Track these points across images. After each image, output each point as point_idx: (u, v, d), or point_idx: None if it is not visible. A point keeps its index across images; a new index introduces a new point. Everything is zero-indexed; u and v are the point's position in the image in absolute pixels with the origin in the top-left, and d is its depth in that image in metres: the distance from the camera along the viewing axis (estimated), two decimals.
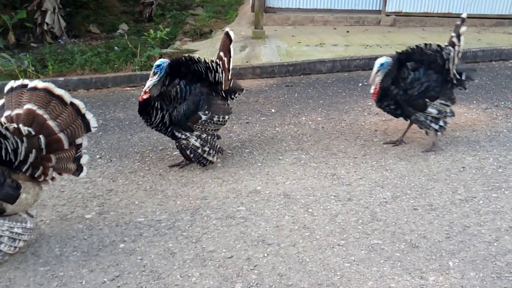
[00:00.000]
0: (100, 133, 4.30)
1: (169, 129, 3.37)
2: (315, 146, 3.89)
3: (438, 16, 8.04)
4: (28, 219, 2.50)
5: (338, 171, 3.43)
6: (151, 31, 7.28)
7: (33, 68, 6.32)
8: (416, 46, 3.60)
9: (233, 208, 3.00)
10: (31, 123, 2.37)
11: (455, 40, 3.51)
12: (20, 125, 2.31)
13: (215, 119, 3.43)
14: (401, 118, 3.82)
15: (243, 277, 2.35)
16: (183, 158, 3.59)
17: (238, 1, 9.97)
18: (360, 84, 5.51)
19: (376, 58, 6.04)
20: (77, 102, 2.49)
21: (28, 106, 2.38)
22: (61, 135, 2.43)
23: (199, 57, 3.41)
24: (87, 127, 2.52)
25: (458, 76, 3.53)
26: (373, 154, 3.69)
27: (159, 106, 3.29)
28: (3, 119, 2.35)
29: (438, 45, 3.55)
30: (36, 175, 2.42)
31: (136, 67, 6.41)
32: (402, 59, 3.60)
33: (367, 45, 6.75)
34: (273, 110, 4.78)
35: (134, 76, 6.03)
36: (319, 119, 4.48)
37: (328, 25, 8.12)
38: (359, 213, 2.89)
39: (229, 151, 3.85)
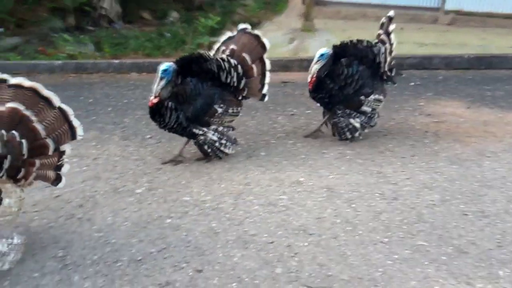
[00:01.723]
0: None
1: (188, 129, 3.29)
2: (361, 142, 3.84)
3: (502, 17, 7.68)
4: (15, 233, 2.29)
5: (384, 170, 3.38)
6: (202, 19, 7.41)
7: (94, 48, 6.58)
8: (350, 41, 3.69)
9: (275, 196, 3.02)
10: (16, 124, 2.16)
11: (384, 37, 3.70)
12: None
13: (230, 110, 3.41)
14: None
15: (284, 262, 2.37)
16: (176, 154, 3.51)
17: None
18: (412, 84, 5.39)
19: (431, 57, 6.02)
20: (65, 107, 2.31)
21: (12, 104, 2.16)
22: (48, 140, 2.25)
23: (209, 55, 3.31)
24: (73, 135, 2.34)
25: (388, 73, 3.72)
26: (422, 155, 3.60)
27: (173, 107, 3.21)
28: None
29: (368, 41, 3.70)
30: (18, 177, 2.21)
31: (186, 54, 6.54)
32: (337, 53, 3.64)
33: (422, 44, 6.56)
34: (318, 104, 4.74)
35: None
36: None
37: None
38: (404, 213, 2.84)
39: (273, 141, 3.88)
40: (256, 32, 3.53)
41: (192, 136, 3.36)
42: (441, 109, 4.63)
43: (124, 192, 3.04)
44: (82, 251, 2.42)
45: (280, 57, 6.01)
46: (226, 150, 3.44)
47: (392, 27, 3.74)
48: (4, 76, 2.24)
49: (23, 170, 2.20)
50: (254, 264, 2.36)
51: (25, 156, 2.18)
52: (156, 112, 3.23)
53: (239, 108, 3.50)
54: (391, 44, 3.74)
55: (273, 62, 6.00)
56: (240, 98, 3.48)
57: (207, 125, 3.35)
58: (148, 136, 3.96)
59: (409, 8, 8.07)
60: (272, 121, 4.25)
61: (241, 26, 3.56)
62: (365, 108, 3.69)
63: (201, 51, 3.31)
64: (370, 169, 3.38)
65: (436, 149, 3.71)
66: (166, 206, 2.88)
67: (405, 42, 6.62)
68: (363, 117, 3.73)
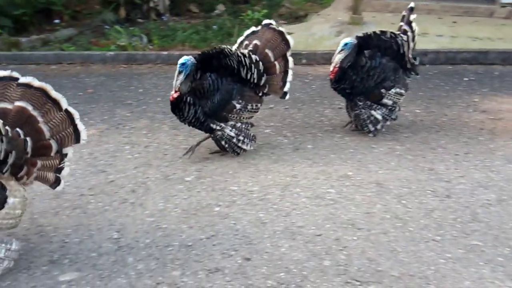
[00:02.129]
0: None
1: (205, 124, 3.26)
2: (411, 138, 3.74)
3: None
4: (14, 239, 2.23)
5: (436, 166, 3.28)
6: (249, 12, 7.42)
7: (147, 41, 6.76)
8: (373, 32, 3.65)
9: (322, 189, 3.00)
10: (23, 123, 2.16)
11: (405, 27, 3.68)
12: (0, 124, 2.04)
13: (248, 107, 3.35)
14: None
15: (332, 255, 2.36)
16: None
17: None
18: (466, 79, 5.18)
19: (487, 52, 5.77)
20: (72, 110, 2.30)
21: (20, 103, 2.17)
22: (51, 142, 2.23)
23: (230, 50, 3.24)
24: (77, 138, 2.31)
25: (412, 61, 3.69)
26: (477, 153, 3.47)
27: (191, 101, 3.17)
28: None
29: (392, 32, 3.64)
30: (19, 175, 2.19)
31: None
32: (361, 44, 3.58)
33: (477, 38, 6.27)
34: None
35: None
36: (417, 111, 4.29)
37: (433, 14, 7.67)
38: (458, 211, 2.75)
39: (320, 135, 3.85)
40: (281, 28, 3.47)
41: (210, 131, 3.33)
42: (498, 105, 4.42)
43: (174, 179, 3.11)
44: (135, 234, 2.51)
45: (327, 50, 5.93)
46: (244, 147, 3.39)
47: (413, 16, 3.73)
48: (15, 74, 2.24)
49: (25, 169, 2.18)
50: (301, 255, 2.36)
51: (28, 155, 2.17)
52: (176, 107, 3.20)
53: (259, 105, 3.43)
54: (413, 31, 3.70)
55: (320, 55, 6.03)
56: (260, 94, 3.42)
57: (225, 120, 3.30)
58: None
59: (462, 1, 7.74)
60: (319, 114, 4.21)
61: (266, 21, 3.51)
62: (385, 100, 3.64)
63: (222, 46, 3.27)
64: (421, 166, 3.29)
65: (492, 147, 3.55)
66: (215, 194, 2.93)
67: (458, 36, 6.38)
68: (384, 109, 3.68)
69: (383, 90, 3.61)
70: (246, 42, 3.46)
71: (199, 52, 3.31)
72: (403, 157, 3.43)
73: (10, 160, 2.09)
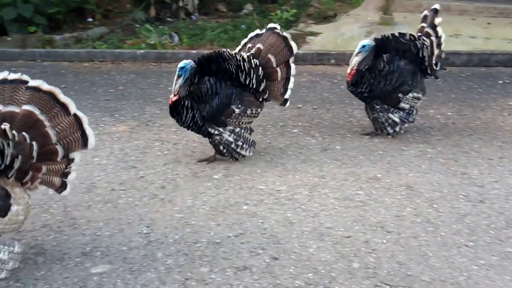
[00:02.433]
0: None
1: (203, 128, 3.21)
2: (443, 141, 3.67)
3: None
4: (16, 242, 2.21)
5: (469, 171, 3.20)
6: (278, 11, 7.42)
7: (178, 40, 6.83)
8: (392, 34, 3.59)
9: (351, 191, 2.97)
10: (29, 127, 2.12)
11: (429, 30, 3.56)
12: (7, 128, 2.02)
13: (248, 112, 3.26)
14: None
15: (361, 257, 2.33)
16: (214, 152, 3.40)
17: None
18: (501, 82, 5.04)
19: None
20: (80, 114, 2.24)
21: (28, 107, 2.12)
22: (58, 147, 2.18)
23: (230, 54, 3.16)
24: (84, 143, 2.25)
25: (434, 66, 3.59)
26: None
27: (189, 105, 3.13)
28: None
29: (411, 35, 3.56)
30: (24, 181, 2.14)
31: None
32: (379, 46, 3.53)
33: None
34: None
35: None
36: (449, 113, 4.21)
37: (466, 15, 7.48)
38: (491, 217, 2.67)
39: (349, 136, 3.81)
40: (285, 33, 3.36)
41: (208, 135, 3.27)
42: None
43: (202, 177, 3.14)
44: (164, 230, 2.54)
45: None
46: (243, 152, 3.31)
47: (438, 20, 3.61)
48: (25, 77, 2.20)
49: (30, 174, 2.14)
50: (330, 256, 2.34)
51: (34, 160, 2.12)
52: (174, 110, 3.17)
53: (259, 110, 3.34)
54: (438, 37, 3.59)
55: (349, 56, 5.88)
56: (261, 99, 3.33)
57: (224, 125, 3.23)
58: None
59: (497, 2, 7.53)
60: (348, 114, 4.18)
61: (271, 25, 3.41)
62: (402, 105, 3.59)
63: (222, 50, 3.20)
64: (453, 169, 3.22)
65: None
66: (242, 193, 2.94)
67: (492, 38, 6.21)
68: (401, 113, 3.63)
69: (400, 95, 3.55)
70: (250, 45, 3.38)
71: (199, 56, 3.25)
72: (435, 160, 3.37)
73: (16, 165, 2.06)
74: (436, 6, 3.71)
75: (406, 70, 3.54)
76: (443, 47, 3.66)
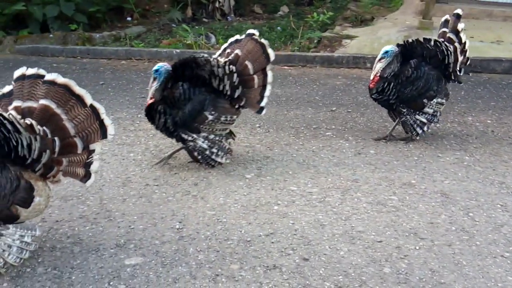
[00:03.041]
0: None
1: (175, 133, 3.16)
2: (481, 149, 3.57)
3: None
4: (37, 226, 2.28)
5: (508, 180, 3.10)
6: (314, 14, 7.39)
7: (215, 40, 6.92)
8: (417, 39, 3.51)
9: (384, 195, 2.94)
10: (46, 121, 2.12)
11: (451, 36, 3.51)
12: (34, 123, 2.05)
13: (222, 118, 3.16)
14: None
15: (392, 263, 2.30)
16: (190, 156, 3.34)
17: None
18: None
19: None
20: (97, 105, 2.24)
21: (44, 101, 2.13)
22: (76, 139, 2.19)
23: (204, 59, 3.06)
24: (103, 134, 2.25)
25: (458, 72, 3.55)
26: None
27: (162, 110, 3.09)
28: (13, 112, 2.05)
29: (437, 40, 3.49)
30: (48, 176, 2.20)
31: (295, 48, 6.60)
32: (405, 54, 3.48)
33: None
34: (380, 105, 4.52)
35: (293, 56, 6.23)
36: (488, 121, 4.09)
37: (509, 21, 7.26)
38: None
39: (383, 140, 3.76)
40: (263, 40, 3.26)
41: (182, 141, 3.20)
42: None
43: (234, 175, 3.17)
44: (196, 226, 2.58)
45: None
46: (219, 159, 3.24)
47: (461, 25, 3.59)
48: (41, 71, 2.20)
49: (53, 168, 2.18)
50: (361, 260, 2.32)
51: (55, 154, 2.15)
52: (148, 113, 3.14)
53: (234, 117, 3.25)
54: (462, 43, 3.57)
55: None
56: (237, 106, 3.24)
57: (197, 131, 3.15)
58: (257, 126, 4.08)
59: None
60: (382, 119, 4.12)
61: (250, 31, 3.33)
62: (427, 109, 3.56)
63: (197, 55, 3.11)
64: (491, 178, 3.13)
65: None
66: (274, 193, 2.95)
67: None
68: (426, 115, 3.59)
69: (425, 100, 3.52)
70: (229, 50, 3.30)
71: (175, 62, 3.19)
72: (472, 168, 3.28)
73: (44, 159, 2.10)
74: (459, 11, 3.64)
75: (432, 76, 3.50)
76: (468, 53, 3.62)
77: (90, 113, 2.21)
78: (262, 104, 3.26)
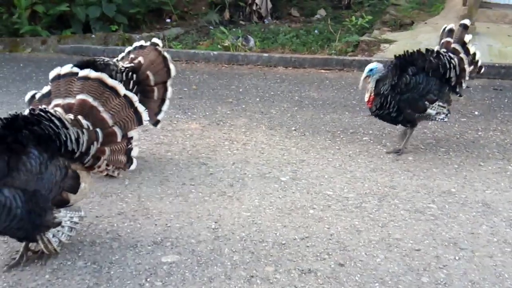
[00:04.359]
0: (296, 108, 4.60)
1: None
2: None
3: None
4: (81, 208, 2.40)
5: None
6: (353, 17, 7.32)
7: (254, 43, 6.98)
8: (417, 51, 3.43)
9: (423, 203, 2.87)
10: (86, 114, 2.22)
11: (457, 47, 3.39)
12: (80, 117, 2.19)
13: None
14: None
15: (431, 272, 2.24)
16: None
17: None
18: None
19: None
20: (130, 94, 2.34)
21: (81, 96, 2.23)
22: (115, 128, 2.28)
23: (105, 62, 3.05)
24: (139, 120, 2.36)
25: (463, 85, 3.43)
26: None
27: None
28: (59, 109, 2.18)
29: (438, 51, 3.40)
30: (94, 166, 2.31)
31: (333, 51, 6.55)
32: (402, 64, 3.39)
33: None
34: (476, 113, 4.38)
35: (330, 60, 6.19)
36: None
37: None
38: None
39: (422, 147, 3.68)
40: (165, 54, 3.27)
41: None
42: None
43: (270, 178, 3.18)
44: (231, 227, 2.60)
45: None
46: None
47: (468, 37, 3.45)
48: (75, 69, 2.32)
49: (101, 160, 2.29)
50: (398, 268, 2.28)
51: (99, 145, 2.25)
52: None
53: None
54: (469, 54, 3.44)
55: None
56: None
57: None
58: (293, 129, 4.07)
59: None
60: (421, 125, 4.02)
61: (155, 40, 3.31)
62: (429, 111, 3.42)
63: (97, 58, 3.09)
64: None
65: None
66: (309, 197, 2.93)
67: None
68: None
69: (426, 103, 3.40)
70: (132, 55, 3.29)
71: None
72: None
73: (92, 151, 2.22)
74: (466, 21, 3.51)
75: (433, 81, 3.39)
76: (480, 63, 3.48)
77: (124, 102, 2.31)
78: (159, 117, 3.26)
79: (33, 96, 2.34)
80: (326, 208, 2.80)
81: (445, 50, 3.43)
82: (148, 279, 2.17)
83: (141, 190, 3.00)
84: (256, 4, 8.84)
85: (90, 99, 2.23)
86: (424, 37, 6.57)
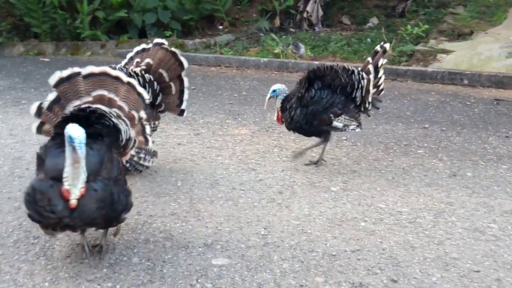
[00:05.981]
0: None
1: None
2: None
3: None
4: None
5: None
6: (408, 26, 7.14)
7: (304, 50, 6.97)
8: (330, 66, 3.37)
9: (482, 222, 2.72)
10: (108, 107, 2.32)
11: (370, 68, 3.33)
12: (113, 112, 2.32)
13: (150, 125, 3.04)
14: None
15: None
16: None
17: (509, 2, 8.83)
18: None
19: None
20: (132, 80, 2.46)
21: (97, 92, 2.34)
22: (133, 112, 2.41)
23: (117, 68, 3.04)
24: (143, 101, 2.47)
25: (367, 105, 3.38)
26: None
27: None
28: (100, 106, 2.29)
29: (353, 71, 3.32)
30: (127, 151, 2.47)
31: (386, 60, 6.40)
32: (311, 78, 3.37)
33: None
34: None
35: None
36: None
37: None
38: None
39: (482, 163, 3.51)
40: (173, 49, 3.28)
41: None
42: None
43: (320, 187, 3.13)
44: (281, 234, 2.58)
45: (495, 72, 5.41)
46: (146, 164, 3.14)
47: (382, 61, 3.39)
48: (76, 69, 2.34)
49: (135, 142, 2.45)
50: None
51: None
52: None
53: (156, 122, 3.31)
54: (377, 78, 3.38)
55: (485, 77, 5.53)
56: (157, 111, 3.30)
57: None
58: (344, 138, 4.01)
59: None
60: (481, 140, 3.85)
61: (157, 40, 3.33)
62: (336, 123, 3.36)
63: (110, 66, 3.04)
64: None
65: None
66: (361, 209, 2.86)
67: None
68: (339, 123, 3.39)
69: (331, 115, 3.32)
70: (137, 59, 3.30)
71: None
72: None
73: (127, 136, 2.38)
74: (387, 46, 3.44)
75: (337, 97, 3.33)
76: (382, 87, 3.43)
77: (130, 88, 2.43)
78: (183, 107, 3.35)
79: (39, 107, 2.31)
80: (378, 222, 2.72)
81: (360, 70, 3.39)
82: (199, 280, 2.19)
83: (193, 192, 3.04)
84: (307, 12, 8.83)
85: (105, 93, 2.35)
86: (484, 47, 6.30)
